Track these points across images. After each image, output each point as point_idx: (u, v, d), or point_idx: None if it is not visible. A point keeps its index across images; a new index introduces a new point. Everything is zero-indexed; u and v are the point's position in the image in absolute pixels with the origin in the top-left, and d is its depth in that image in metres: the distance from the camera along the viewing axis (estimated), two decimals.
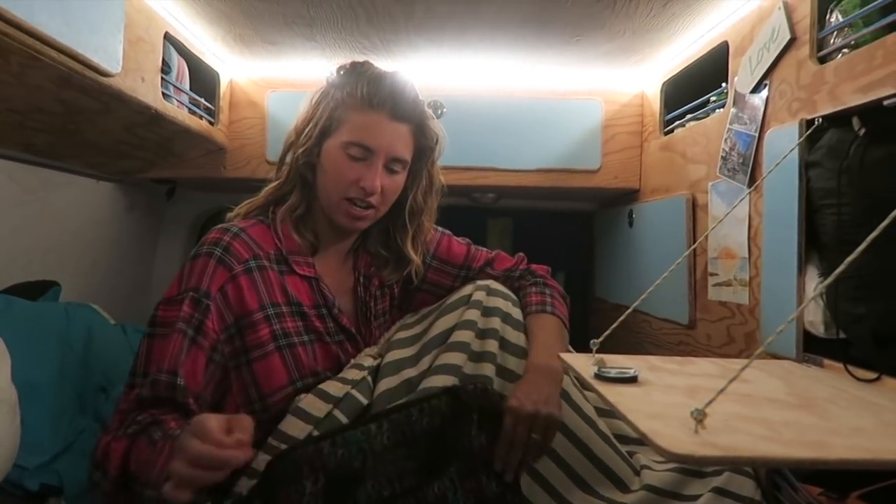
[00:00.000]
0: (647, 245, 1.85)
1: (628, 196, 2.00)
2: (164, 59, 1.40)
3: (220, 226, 1.09)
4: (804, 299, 1.07)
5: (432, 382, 1.02)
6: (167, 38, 1.41)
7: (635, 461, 1.14)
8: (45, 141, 1.38)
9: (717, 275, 1.39)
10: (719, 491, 1.10)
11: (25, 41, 0.92)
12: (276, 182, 1.17)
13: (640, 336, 1.88)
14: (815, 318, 1.05)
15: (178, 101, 1.51)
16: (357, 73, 1.12)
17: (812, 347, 1.07)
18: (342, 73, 1.14)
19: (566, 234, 2.63)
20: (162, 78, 1.39)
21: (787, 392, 0.85)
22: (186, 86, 1.59)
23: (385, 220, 1.21)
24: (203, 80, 1.75)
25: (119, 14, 1.15)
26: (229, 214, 1.18)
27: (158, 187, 2.12)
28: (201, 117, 1.69)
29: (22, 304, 1.36)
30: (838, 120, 1.02)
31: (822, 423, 0.71)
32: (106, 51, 1.11)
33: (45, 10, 0.93)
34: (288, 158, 1.16)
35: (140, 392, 0.93)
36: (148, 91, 1.31)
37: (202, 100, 1.71)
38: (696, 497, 1.11)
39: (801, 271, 1.08)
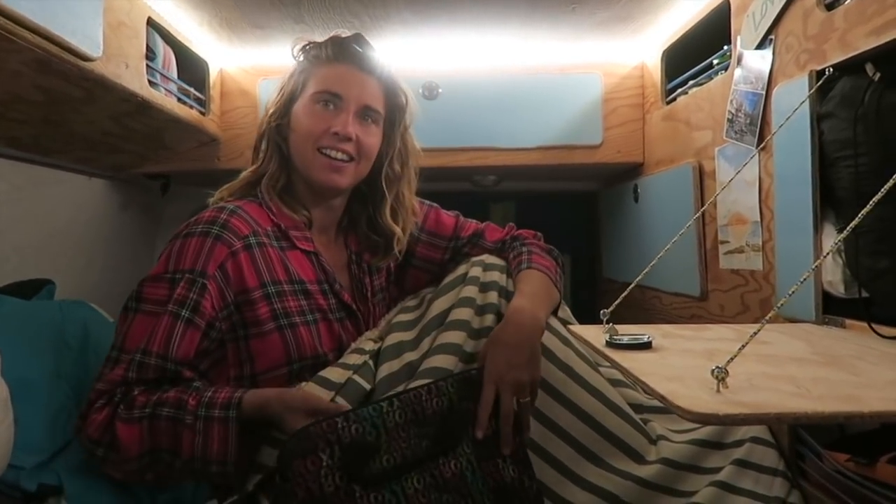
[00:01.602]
0: (655, 219, 1.80)
1: (632, 171, 1.96)
2: (148, 46, 1.36)
3: (215, 205, 1.06)
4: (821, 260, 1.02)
5: (432, 363, 0.99)
6: (150, 23, 1.37)
7: (650, 429, 1.10)
8: (30, 134, 1.34)
9: (728, 242, 1.35)
10: (741, 463, 1.06)
11: None
12: (254, 166, 1.14)
13: (650, 313, 1.84)
14: (834, 277, 1.01)
15: (165, 89, 1.47)
16: (320, 42, 1.13)
17: (831, 309, 1.03)
18: (305, 47, 1.15)
19: (570, 216, 2.58)
20: (147, 65, 1.35)
21: (811, 351, 0.81)
22: (174, 74, 1.55)
23: (365, 194, 1.19)
24: (192, 70, 1.71)
25: None
26: (210, 200, 1.13)
27: (153, 184, 2.08)
28: (191, 107, 1.65)
29: (15, 302, 1.32)
30: (850, 68, 0.97)
31: (853, 378, 0.67)
32: (85, 34, 1.07)
33: None
34: (263, 144, 1.14)
35: (126, 373, 0.92)
36: (133, 78, 1.27)
37: (192, 89, 1.67)
38: (717, 469, 1.07)
39: (818, 230, 1.03)
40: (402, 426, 0.86)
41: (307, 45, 1.15)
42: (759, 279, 1.24)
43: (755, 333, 0.64)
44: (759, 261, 1.23)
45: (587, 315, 1.23)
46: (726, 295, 1.38)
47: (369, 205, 1.19)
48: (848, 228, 0.71)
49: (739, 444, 1.10)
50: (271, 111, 1.13)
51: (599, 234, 2.39)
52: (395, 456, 0.84)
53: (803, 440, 1.08)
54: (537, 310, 1.03)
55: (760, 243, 1.22)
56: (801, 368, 0.71)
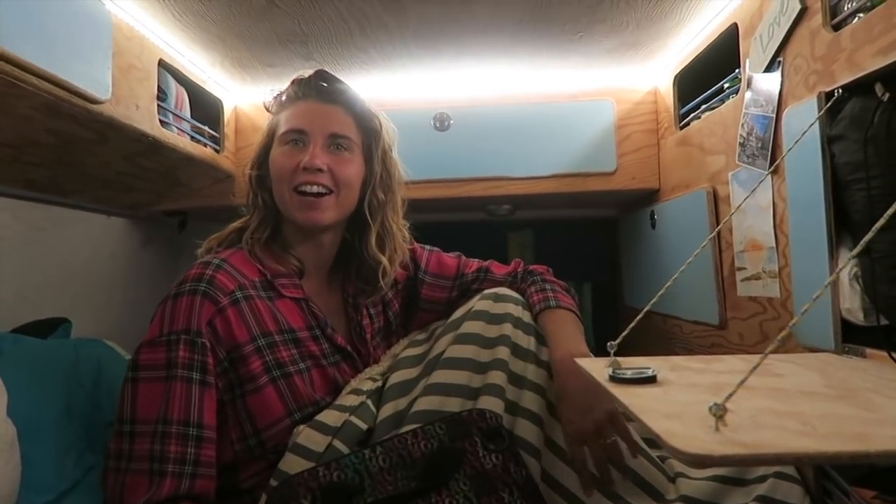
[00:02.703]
0: (672, 245, 1.76)
1: (649, 197, 1.93)
2: (160, 87, 1.39)
3: (200, 261, 1.03)
4: (839, 285, 0.98)
5: (419, 405, 0.97)
6: (162, 65, 1.40)
7: (668, 467, 1.06)
8: (45, 176, 1.37)
9: (744, 269, 1.31)
10: (764, 500, 1.02)
11: (3, 69, 0.90)
12: (248, 216, 1.14)
13: (671, 342, 1.79)
14: (852, 304, 0.97)
15: (178, 128, 1.49)
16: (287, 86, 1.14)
17: (852, 337, 0.99)
18: (276, 96, 1.16)
19: (589, 244, 2.55)
20: (159, 105, 1.38)
21: (824, 384, 0.77)
22: (187, 113, 1.58)
23: (350, 231, 1.16)
24: (206, 108, 1.74)
25: (106, 41, 1.14)
26: (199, 251, 1.13)
27: (171, 221, 2.11)
28: (205, 145, 1.68)
29: (30, 341, 1.34)
30: (859, 88, 0.94)
31: (865, 413, 0.63)
32: (93, 77, 1.09)
33: (22, 35, 0.92)
34: (250, 193, 1.14)
35: (152, 446, 0.88)
36: (143, 118, 1.30)
37: (206, 128, 1.69)
38: None
39: (833, 255, 1.00)
40: (387, 470, 0.85)
41: (278, 94, 1.15)
42: (776, 307, 1.20)
43: (755, 368, 0.61)
44: (776, 287, 1.19)
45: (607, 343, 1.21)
46: (745, 323, 1.34)
47: (355, 241, 1.16)
48: (856, 249, 0.67)
49: (762, 479, 1.05)
50: (252, 163, 1.13)
51: (619, 262, 2.36)
52: (379, 495, 0.83)
53: (829, 476, 1.03)
54: (580, 348, 1.02)
55: (777, 269, 1.18)
56: (811, 403, 0.67)
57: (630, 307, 2.25)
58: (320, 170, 1.05)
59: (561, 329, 1.06)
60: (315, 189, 1.05)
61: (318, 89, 1.10)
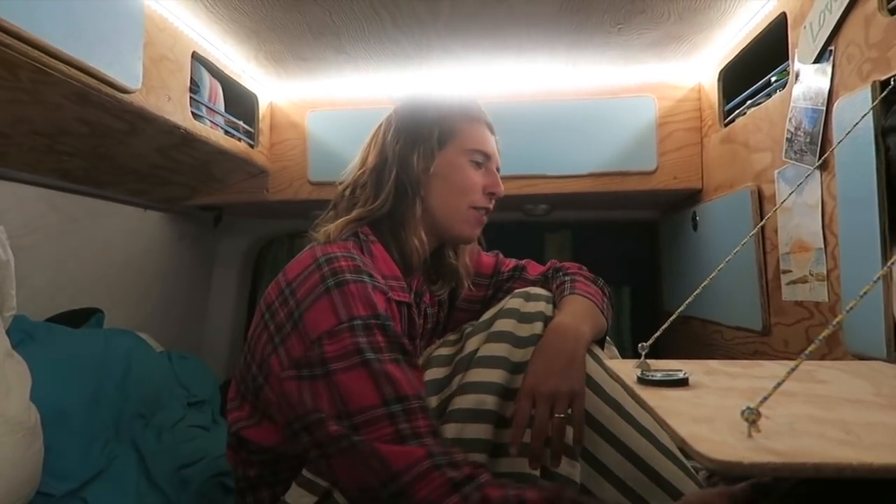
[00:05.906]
0: (714, 248, 1.69)
1: (691, 198, 1.85)
2: (192, 79, 1.39)
3: (337, 253, 0.95)
4: (892, 287, 0.91)
5: (457, 404, 0.95)
6: (196, 57, 1.40)
7: (703, 477, 1.01)
8: (81, 167, 1.38)
9: (790, 272, 1.24)
10: None
11: (30, 54, 0.90)
12: (376, 203, 1.07)
13: (712, 349, 1.71)
14: None
15: (211, 121, 1.49)
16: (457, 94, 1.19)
17: None
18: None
19: (629, 246, 2.47)
20: (192, 98, 1.38)
21: (873, 392, 0.71)
22: (221, 107, 1.58)
23: None
24: (242, 104, 1.74)
25: (137, 30, 1.14)
26: (316, 234, 1.07)
27: (207, 216, 2.12)
28: (239, 140, 1.68)
29: (62, 330, 1.36)
30: None
31: None
32: (122, 66, 1.09)
33: (51, 22, 0.92)
34: (387, 177, 1.08)
35: (395, 429, 0.83)
36: (175, 110, 1.30)
37: (240, 122, 1.70)
38: None
39: (886, 255, 0.93)
40: None
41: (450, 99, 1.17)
42: (824, 312, 1.12)
43: (793, 369, 0.56)
44: (823, 291, 1.11)
45: (649, 350, 1.15)
46: (790, 329, 1.26)
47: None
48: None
49: None
50: (422, 151, 1.08)
51: (660, 266, 2.28)
52: None
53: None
54: (580, 325, 0.99)
55: (825, 272, 1.11)
56: (856, 412, 0.62)
57: (670, 312, 2.17)
58: (499, 197, 1.16)
59: (567, 307, 1.05)
60: (486, 212, 1.14)
61: (486, 116, 1.16)
